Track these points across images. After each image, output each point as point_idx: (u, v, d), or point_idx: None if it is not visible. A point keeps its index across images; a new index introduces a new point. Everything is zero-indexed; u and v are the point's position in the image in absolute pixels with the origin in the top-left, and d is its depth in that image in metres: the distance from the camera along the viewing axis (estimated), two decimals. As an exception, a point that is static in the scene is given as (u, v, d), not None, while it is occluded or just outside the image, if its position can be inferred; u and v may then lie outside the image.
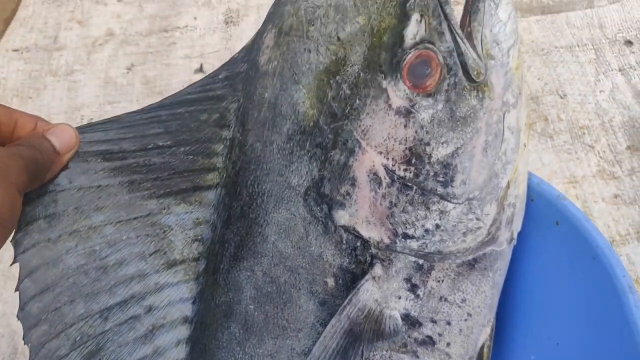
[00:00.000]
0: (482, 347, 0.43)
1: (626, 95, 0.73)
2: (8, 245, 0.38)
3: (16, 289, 0.39)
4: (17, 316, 0.39)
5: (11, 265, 0.39)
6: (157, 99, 0.77)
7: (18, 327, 0.51)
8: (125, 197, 0.42)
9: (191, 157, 0.43)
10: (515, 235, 0.43)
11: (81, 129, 0.43)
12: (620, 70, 0.76)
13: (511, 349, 0.46)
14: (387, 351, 0.40)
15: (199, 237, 0.43)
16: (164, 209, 0.43)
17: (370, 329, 0.39)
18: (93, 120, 0.76)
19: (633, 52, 0.78)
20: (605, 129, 0.70)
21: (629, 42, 0.79)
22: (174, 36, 0.87)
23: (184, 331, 0.43)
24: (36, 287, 0.40)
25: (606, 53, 0.78)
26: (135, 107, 0.77)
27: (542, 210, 0.44)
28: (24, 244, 0.40)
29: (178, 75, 0.81)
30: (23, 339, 0.39)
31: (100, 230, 0.41)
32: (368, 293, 0.40)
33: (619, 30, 0.80)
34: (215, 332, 0.41)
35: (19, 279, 0.39)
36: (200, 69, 0.83)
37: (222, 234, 0.43)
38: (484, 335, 0.43)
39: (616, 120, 0.71)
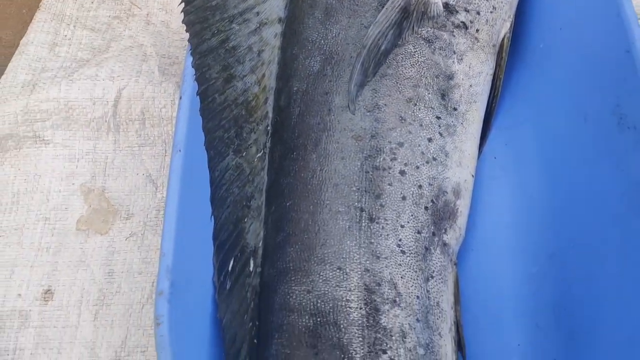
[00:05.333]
0: (503, 39, 0.53)
1: None
2: None
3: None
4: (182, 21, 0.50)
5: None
6: None
7: (144, 41, 0.63)
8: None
9: None
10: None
11: None
12: None
13: (525, 42, 0.56)
14: (431, 28, 0.50)
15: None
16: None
17: (419, 10, 0.49)
18: None
19: None
20: None
21: None
22: None
23: (279, 27, 0.53)
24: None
25: None
26: None
27: None
28: None
29: None
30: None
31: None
32: (417, -18, 0.49)
33: None
34: (303, 19, 0.52)
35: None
36: None
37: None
38: (504, 28, 0.53)
39: None
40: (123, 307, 0.51)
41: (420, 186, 0.46)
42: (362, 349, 0.38)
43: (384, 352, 0.38)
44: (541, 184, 0.49)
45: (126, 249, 0.54)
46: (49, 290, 0.52)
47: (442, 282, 0.44)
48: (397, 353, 0.39)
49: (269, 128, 0.50)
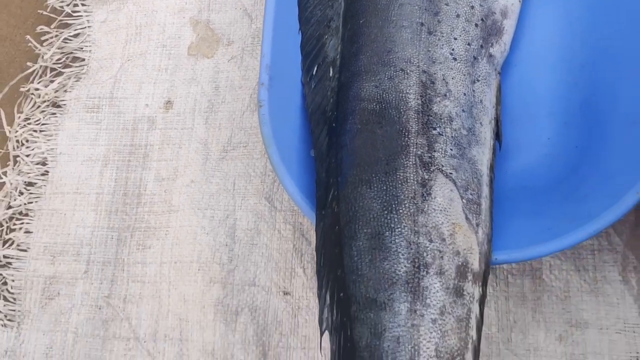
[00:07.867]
0: None
1: None
2: None
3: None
4: None
5: None
6: None
7: None
8: None
9: None
10: None
11: None
12: None
13: None
14: None
15: None
16: None
17: None
18: None
19: None
20: None
21: None
22: None
23: None
24: None
25: None
26: None
27: None
28: None
29: None
30: None
31: None
32: None
33: None
34: None
35: None
36: None
37: None
38: None
39: None
40: (228, 113, 0.63)
41: (472, 7, 0.54)
42: (417, 125, 0.49)
43: (434, 128, 0.49)
44: (580, 7, 0.56)
45: (228, 69, 0.65)
46: (169, 101, 0.65)
47: (486, 85, 0.53)
48: (444, 130, 0.49)
49: (345, -37, 0.59)
